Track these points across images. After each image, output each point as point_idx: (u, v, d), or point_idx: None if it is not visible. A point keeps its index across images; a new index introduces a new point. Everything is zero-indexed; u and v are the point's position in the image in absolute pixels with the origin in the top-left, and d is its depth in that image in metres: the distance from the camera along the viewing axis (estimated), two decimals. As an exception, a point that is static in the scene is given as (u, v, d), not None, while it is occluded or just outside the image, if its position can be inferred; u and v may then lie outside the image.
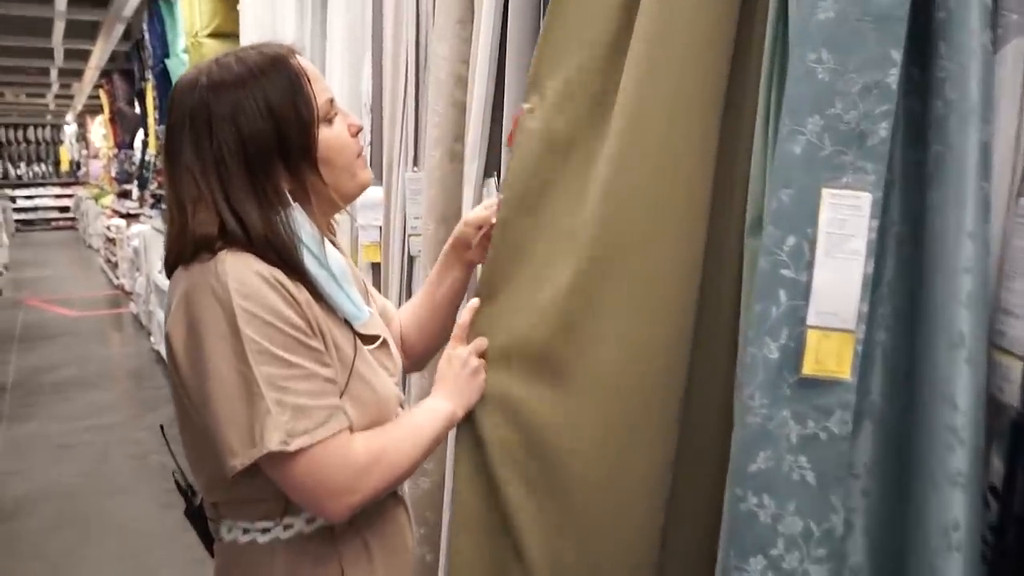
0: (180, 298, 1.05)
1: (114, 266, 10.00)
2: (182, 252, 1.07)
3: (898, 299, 1.00)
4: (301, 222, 1.10)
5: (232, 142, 1.06)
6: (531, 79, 1.24)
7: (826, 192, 0.96)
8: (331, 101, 1.15)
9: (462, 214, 1.92)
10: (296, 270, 1.08)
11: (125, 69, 9.11)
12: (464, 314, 1.32)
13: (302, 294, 1.07)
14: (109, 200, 10.98)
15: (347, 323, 1.17)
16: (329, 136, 1.13)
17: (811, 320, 0.97)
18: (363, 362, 1.15)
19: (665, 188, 1.15)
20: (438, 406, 1.23)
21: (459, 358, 1.28)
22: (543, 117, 1.21)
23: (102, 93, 10.82)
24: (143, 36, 6.74)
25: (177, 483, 1.19)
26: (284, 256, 1.07)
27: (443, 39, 1.90)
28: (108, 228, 10.29)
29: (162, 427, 1.26)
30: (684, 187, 1.16)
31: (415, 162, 2.21)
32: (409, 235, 2.19)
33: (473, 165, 1.79)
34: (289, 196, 1.10)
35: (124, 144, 9.05)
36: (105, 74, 10.25)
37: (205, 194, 1.06)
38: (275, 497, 1.09)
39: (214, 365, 1.00)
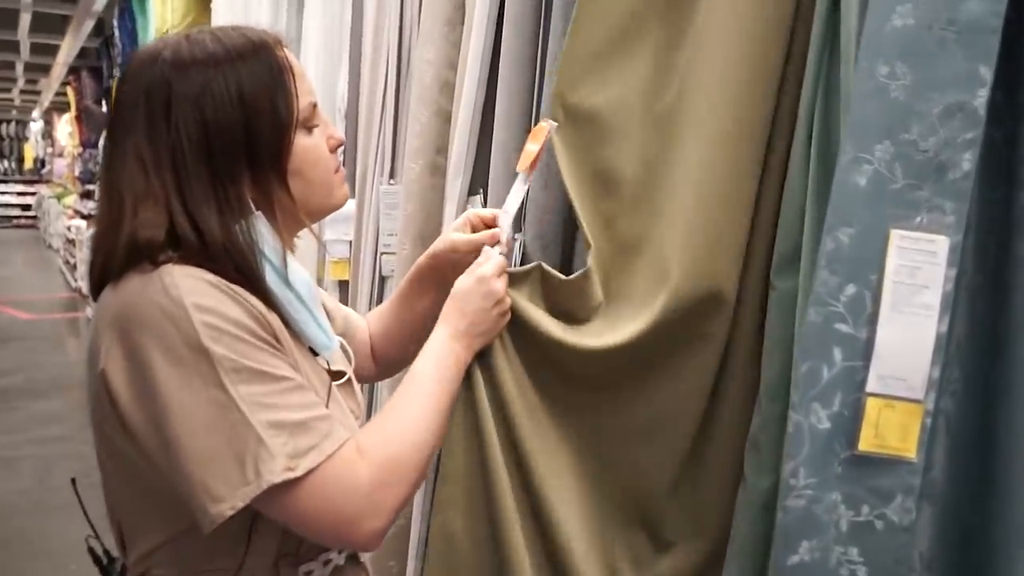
0: (113, 325, 0.86)
1: (73, 268, 9.66)
2: (111, 258, 0.88)
3: (970, 363, 0.84)
4: (264, 234, 0.92)
5: (194, 131, 0.89)
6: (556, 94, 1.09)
7: (895, 234, 0.80)
8: (314, 106, 0.97)
9: (444, 231, 1.74)
10: (259, 287, 0.90)
11: (94, 66, 8.89)
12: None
13: (270, 315, 0.90)
14: (72, 200, 10.67)
15: (314, 353, 0.99)
16: (306, 145, 0.96)
17: (871, 386, 0.81)
18: (336, 406, 0.97)
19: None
20: (447, 350, 1.02)
21: (488, 286, 1.05)
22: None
23: (69, 90, 10.54)
24: (113, 32, 6.55)
25: (91, 550, 0.99)
26: (245, 270, 0.89)
27: (429, 42, 1.73)
28: (69, 229, 9.96)
29: (73, 481, 1.06)
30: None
31: (392, 174, 2.03)
32: (381, 253, 2.01)
33: (457, 181, 1.61)
34: (252, 205, 0.92)
35: (90, 143, 8.75)
36: (73, 71, 9.98)
37: (155, 189, 0.88)
38: (228, 555, 0.90)
39: (173, 399, 0.82)
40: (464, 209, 1.62)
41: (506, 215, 1.11)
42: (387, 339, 1.29)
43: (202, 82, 0.89)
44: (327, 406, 0.94)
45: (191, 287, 0.84)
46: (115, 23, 6.34)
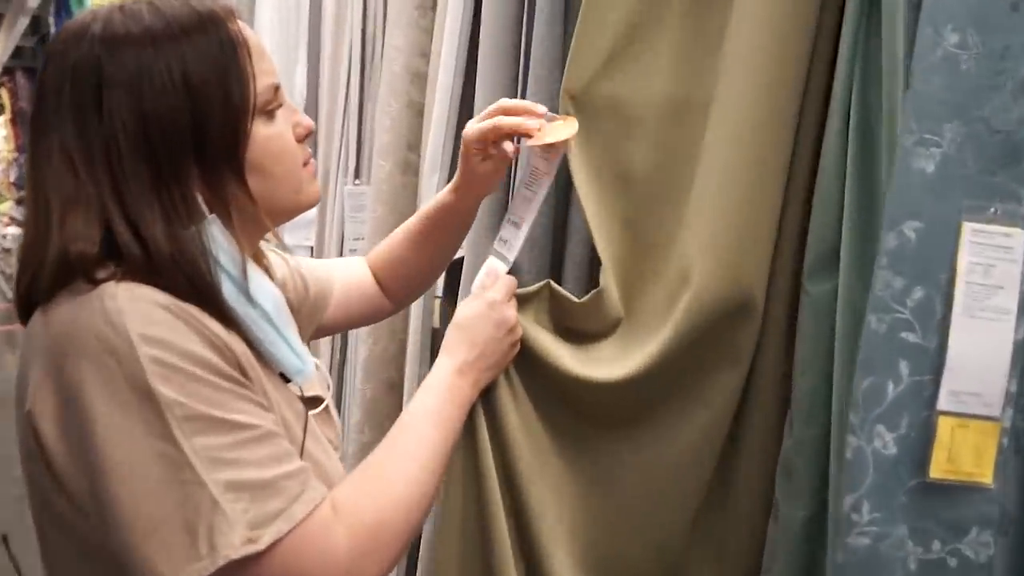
0: (43, 357, 0.71)
1: (9, 278, 9.26)
2: (39, 276, 0.74)
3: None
4: (220, 242, 0.78)
5: (130, 121, 0.74)
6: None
7: (968, 227, 0.69)
8: (276, 88, 0.82)
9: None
10: (216, 306, 0.76)
11: (29, 67, 8.55)
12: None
13: (232, 338, 0.76)
14: (7, 207, 10.23)
15: (285, 380, 0.85)
16: (267, 135, 0.81)
17: (943, 404, 0.70)
18: (313, 441, 0.84)
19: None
20: (451, 387, 0.89)
21: (500, 312, 0.92)
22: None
23: (3, 91, 10.10)
24: (50, 30, 6.28)
25: None
26: (199, 286, 0.75)
27: (398, 27, 1.59)
28: (4, 237, 9.55)
29: (5, 538, 0.90)
30: None
31: (357, 173, 1.89)
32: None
33: (433, 179, 1.48)
34: (204, 207, 0.78)
35: (25, 148, 8.41)
36: (7, 71, 9.56)
37: (87, 191, 0.74)
38: None
39: (112, 452, 0.67)
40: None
41: (515, 227, 0.98)
42: (403, 264, 1.16)
43: (139, 62, 0.74)
44: (303, 444, 0.80)
45: (138, 313, 0.70)
46: (51, 20, 6.08)
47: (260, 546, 0.67)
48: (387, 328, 1.67)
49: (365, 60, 1.84)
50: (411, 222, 1.15)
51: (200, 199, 0.77)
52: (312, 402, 0.89)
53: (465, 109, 1.44)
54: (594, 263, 1.04)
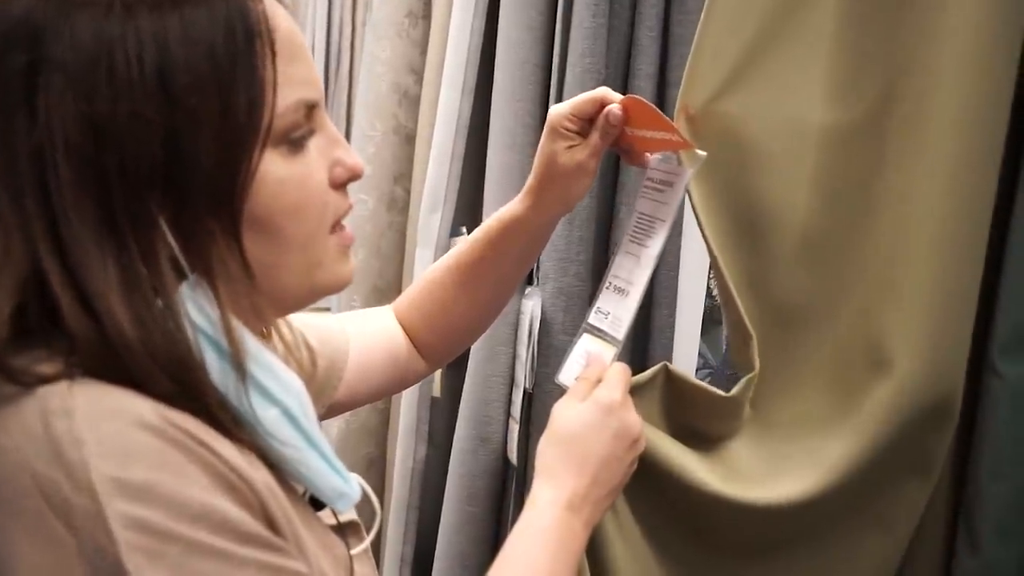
0: None
1: None
2: None
3: None
4: (211, 314, 0.51)
5: (73, 128, 0.48)
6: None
7: None
8: (311, 107, 0.55)
9: (404, 284, 1.35)
10: (218, 413, 0.50)
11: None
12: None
13: (250, 463, 0.50)
14: None
15: (316, 505, 0.59)
16: (285, 176, 0.54)
17: None
18: None
19: None
20: (563, 531, 0.64)
21: (621, 419, 0.67)
22: None
23: None
24: None
25: None
26: (189, 384, 0.49)
27: (384, 38, 1.34)
28: None
29: None
30: None
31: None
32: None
33: (434, 217, 1.23)
34: (183, 263, 0.51)
35: None
36: None
37: (10, 233, 0.48)
38: None
39: None
40: (446, 252, 1.24)
41: (620, 295, 0.73)
42: (440, 331, 0.89)
43: (98, 36, 0.48)
44: None
45: (108, 441, 0.44)
46: None
47: None
48: (365, 396, 1.40)
49: (331, 73, 1.59)
50: (457, 252, 0.86)
51: (175, 250, 0.51)
52: (351, 532, 0.63)
53: (475, 134, 1.20)
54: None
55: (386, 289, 1.36)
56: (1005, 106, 0.66)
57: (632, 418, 0.68)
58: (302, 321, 0.82)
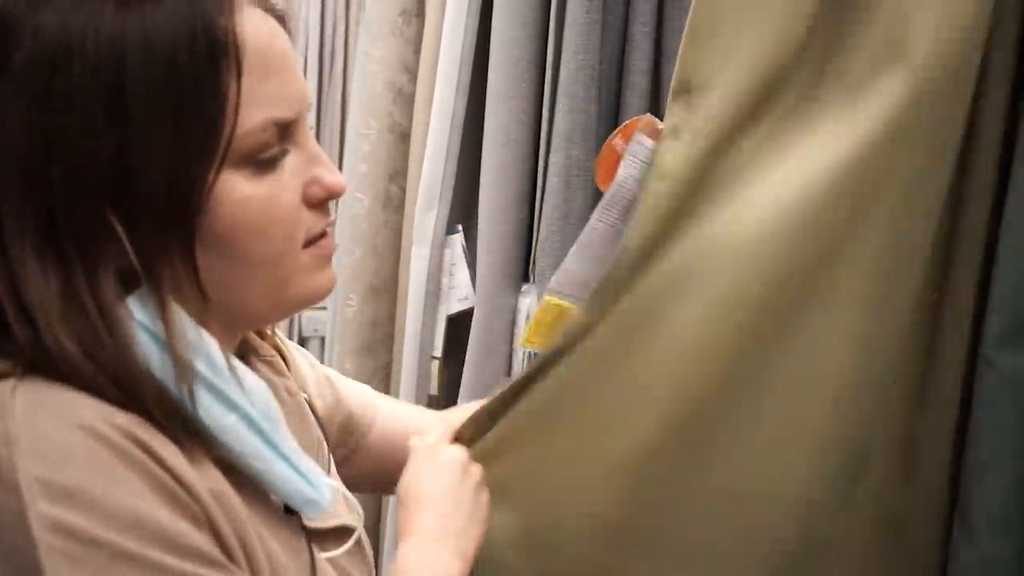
0: None
1: None
2: None
3: None
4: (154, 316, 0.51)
5: (25, 139, 0.48)
6: (678, 82, 0.70)
7: None
8: (285, 127, 0.54)
9: (401, 283, 1.35)
10: (175, 426, 0.49)
11: None
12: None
13: (201, 471, 0.50)
14: None
15: (287, 512, 0.58)
16: (249, 195, 0.53)
17: None
18: None
19: None
20: (432, 559, 0.65)
21: (455, 459, 0.71)
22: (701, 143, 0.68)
23: None
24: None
25: None
26: (140, 397, 0.48)
27: (377, 36, 1.34)
28: None
29: None
30: None
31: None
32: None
33: (429, 216, 1.23)
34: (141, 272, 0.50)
35: None
36: None
37: None
38: None
39: None
40: (442, 252, 1.24)
41: None
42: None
43: (57, 41, 0.47)
44: None
45: (41, 440, 0.44)
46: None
47: None
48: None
49: (324, 72, 1.59)
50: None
51: (129, 259, 0.50)
52: (333, 537, 0.63)
53: (470, 132, 1.20)
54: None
55: (383, 288, 1.35)
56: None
57: (452, 450, 0.72)
58: (328, 372, 0.83)
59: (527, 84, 1.12)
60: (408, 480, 0.70)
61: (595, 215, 0.76)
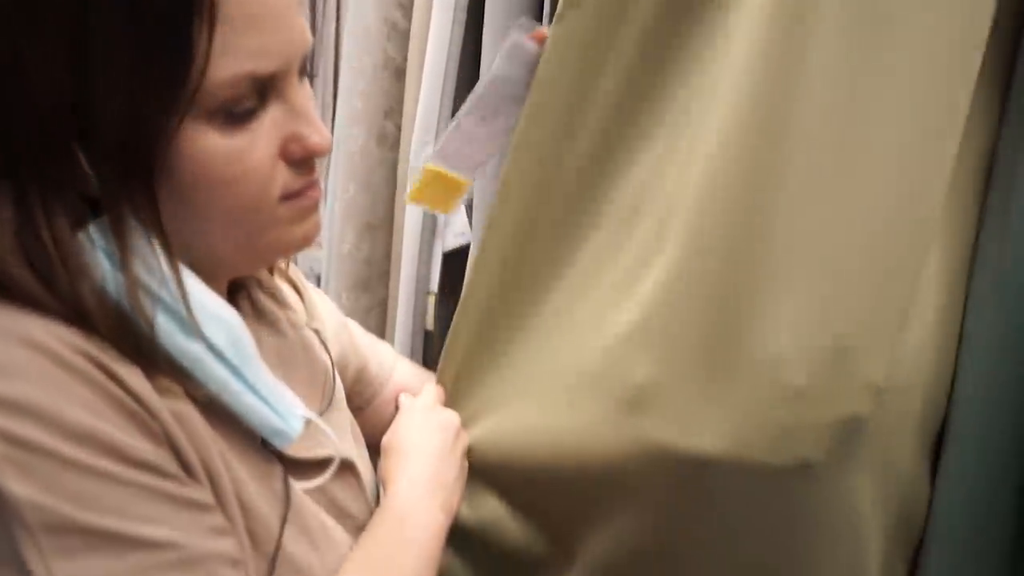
0: None
1: None
2: None
3: None
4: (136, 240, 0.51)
5: None
6: None
7: None
8: (263, 82, 0.52)
9: (396, 221, 1.36)
10: (131, 341, 0.49)
11: None
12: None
13: (164, 393, 0.50)
14: None
15: (265, 446, 0.58)
16: (216, 148, 0.51)
17: None
18: (301, 531, 0.58)
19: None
20: (419, 506, 0.67)
21: (450, 422, 0.76)
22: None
23: None
24: None
25: None
26: (93, 315, 0.49)
27: (372, -29, 1.33)
28: None
29: None
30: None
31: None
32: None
33: (427, 149, 1.23)
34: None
35: None
36: None
37: None
38: None
39: None
40: (438, 187, 1.25)
41: None
42: None
43: None
44: (279, 539, 0.55)
45: None
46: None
47: None
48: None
49: (316, 5, 1.57)
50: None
51: (91, 185, 0.50)
52: (316, 467, 0.63)
53: (467, 66, 1.20)
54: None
55: (378, 226, 1.36)
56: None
57: (447, 412, 0.77)
58: (351, 325, 0.86)
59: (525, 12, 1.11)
60: (400, 432, 0.74)
61: (468, 107, 0.80)
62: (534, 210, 0.76)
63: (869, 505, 0.64)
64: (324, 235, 1.52)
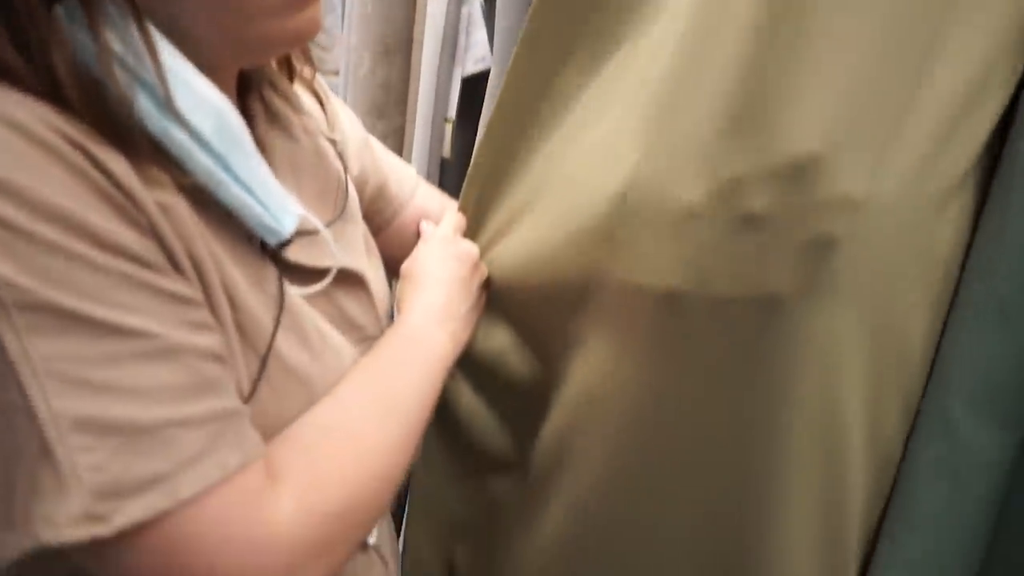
0: None
1: None
2: None
3: None
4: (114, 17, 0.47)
5: None
6: None
7: None
8: None
9: (416, 35, 1.31)
10: (111, 122, 0.47)
11: None
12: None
13: (153, 184, 0.48)
14: None
15: (264, 247, 0.57)
16: None
17: None
18: (293, 333, 0.57)
19: None
20: (427, 333, 0.68)
21: (458, 245, 0.77)
22: None
23: None
24: None
25: None
26: (67, 87, 0.46)
27: None
28: None
29: None
30: None
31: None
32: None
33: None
34: None
35: None
36: None
37: None
38: None
39: None
40: (459, 6, 1.19)
41: None
42: None
43: None
44: (272, 339, 0.54)
45: None
46: None
47: (104, 530, 0.42)
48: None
49: None
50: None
51: None
52: (316, 275, 0.61)
53: None
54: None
55: (396, 49, 1.31)
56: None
57: (466, 244, 0.76)
58: (373, 143, 0.84)
59: None
60: (419, 260, 0.74)
61: None
62: (566, 28, 0.72)
63: (854, 344, 0.56)
64: (340, 60, 1.48)
